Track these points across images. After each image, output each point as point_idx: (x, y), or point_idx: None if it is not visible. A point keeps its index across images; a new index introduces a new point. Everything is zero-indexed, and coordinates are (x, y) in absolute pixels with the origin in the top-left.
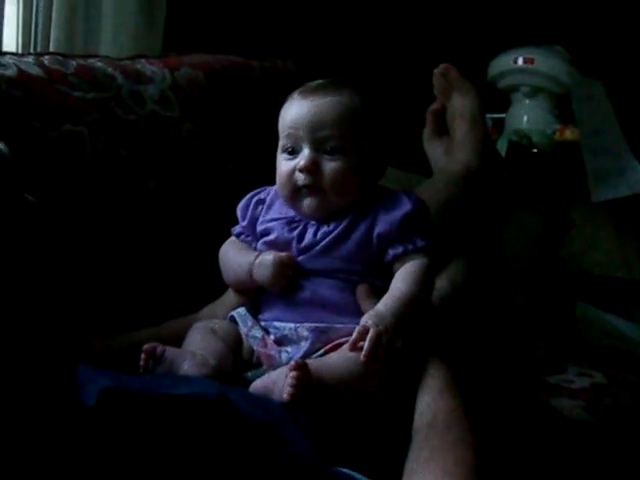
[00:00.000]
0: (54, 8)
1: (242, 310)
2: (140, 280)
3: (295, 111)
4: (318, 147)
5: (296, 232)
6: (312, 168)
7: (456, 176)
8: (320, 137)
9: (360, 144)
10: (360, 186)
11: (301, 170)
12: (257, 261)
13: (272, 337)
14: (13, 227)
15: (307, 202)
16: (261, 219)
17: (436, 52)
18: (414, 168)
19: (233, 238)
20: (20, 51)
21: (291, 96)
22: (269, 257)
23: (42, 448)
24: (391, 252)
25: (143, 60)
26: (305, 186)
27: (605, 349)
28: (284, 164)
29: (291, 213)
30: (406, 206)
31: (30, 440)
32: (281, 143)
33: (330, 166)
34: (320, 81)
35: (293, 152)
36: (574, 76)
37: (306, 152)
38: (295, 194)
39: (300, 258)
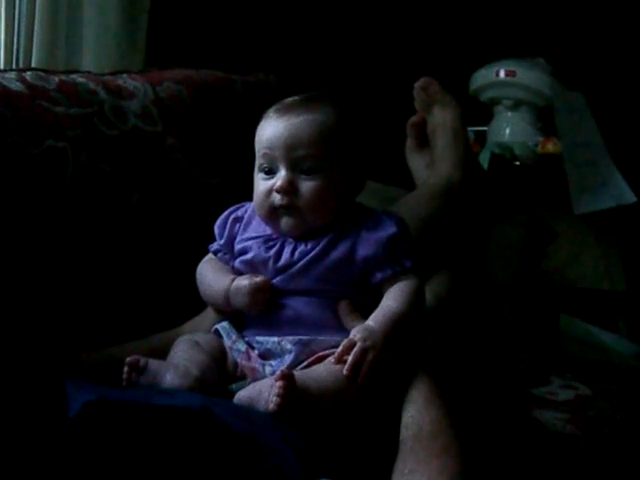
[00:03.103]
0: (36, 26)
1: (226, 324)
2: (124, 293)
3: (270, 131)
4: (294, 167)
5: (273, 251)
6: (289, 189)
7: (438, 189)
8: (296, 157)
9: (337, 161)
10: (339, 204)
11: (278, 191)
12: (232, 287)
13: (256, 351)
14: None
15: (285, 221)
16: (239, 238)
17: (418, 65)
18: (396, 181)
19: (210, 256)
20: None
21: (266, 114)
22: (244, 283)
23: (26, 458)
24: (379, 275)
25: (125, 75)
26: (282, 206)
27: (589, 361)
28: (261, 184)
29: (268, 231)
30: (390, 228)
31: (15, 450)
32: (257, 163)
33: (307, 186)
34: (295, 98)
35: (270, 172)
36: (556, 88)
37: (282, 172)
38: (272, 214)
39: (278, 278)
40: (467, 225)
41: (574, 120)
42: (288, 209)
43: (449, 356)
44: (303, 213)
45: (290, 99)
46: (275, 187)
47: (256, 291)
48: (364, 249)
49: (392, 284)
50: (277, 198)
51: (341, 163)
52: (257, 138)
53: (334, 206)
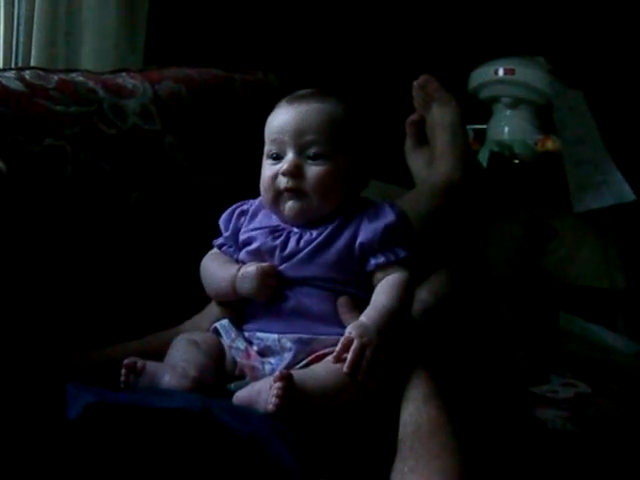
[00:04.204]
0: (35, 25)
1: (225, 322)
2: (123, 292)
3: (281, 117)
4: (302, 152)
5: (279, 240)
6: (295, 172)
7: (437, 187)
8: (304, 142)
9: (343, 152)
10: (343, 193)
11: (284, 174)
12: (240, 274)
13: (255, 348)
14: None
15: (289, 205)
16: (243, 229)
17: (417, 64)
18: (396, 180)
19: (215, 250)
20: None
21: (278, 104)
22: (252, 269)
23: (26, 461)
24: (373, 261)
25: (124, 74)
26: (287, 189)
27: (589, 359)
28: (268, 169)
29: (274, 222)
30: (389, 216)
31: (15, 453)
32: (266, 149)
33: (313, 170)
34: (307, 90)
35: (277, 157)
36: (555, 86)
37: (290, 156)
38: (277, 198)
39: (283, 266)
40: (466, 223)
41: (573, 118)
42: (294, 192)
43: (448, 354)
44: (309, 197)
45: (302, 91)
46: (281, 170)
47: (264, 275)
48: (362, 235)
49: (384, 273)
50: (283, 181)
51: (347, 153)
52: (267, 126)
53: (339, 193)
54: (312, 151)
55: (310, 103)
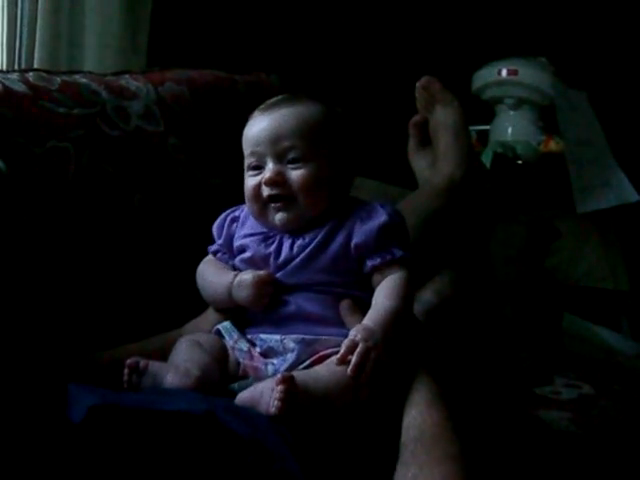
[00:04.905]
0: (38, 27)
1: (227, 324)
2: (125, 294)
3: (255, 128)
4: (281, 159)
5: (272, 247)
6: (277, 179)
7: (440, 188)
8: (281, 149)
9: (322, 153)
10: (329, 193)
11: (266, 183)
12: (236, 282)
13: (258, 349)
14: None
15: (279, 216)
16: (237, 235)
17: (419, 64)
18: (399, 181)
19: (210, 257)
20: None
21: (251, 115)
22: (248, 277)
23: (29, 465)
24: (369, 263)
25: (127, 76)
26: (272, 197)
27: (592, 360)
28: (250, 180)
29: (265, 228)
30: (381, 216)
31: (17, 457)
32: (246, 162)
33: (295, 175)
34: (278, 97)
35: (258, 168)
36: (558, 87)
37: (270, 165)
38: (264, 209)
39: (279, 274)
40: (469, 224)
41: (576, 119)
42: (280, 200)
43: (451, 356)
44: (297, 201)
45: (274, 98)
46: (264, 180)
47: (260, 283)
48: (356, 237)
49: (382, 274)
50: (267, 190)
51: (326, 154)
52: (244, 138)
53: (325, 195)
54: (291, 156)
55: (282, 109)
